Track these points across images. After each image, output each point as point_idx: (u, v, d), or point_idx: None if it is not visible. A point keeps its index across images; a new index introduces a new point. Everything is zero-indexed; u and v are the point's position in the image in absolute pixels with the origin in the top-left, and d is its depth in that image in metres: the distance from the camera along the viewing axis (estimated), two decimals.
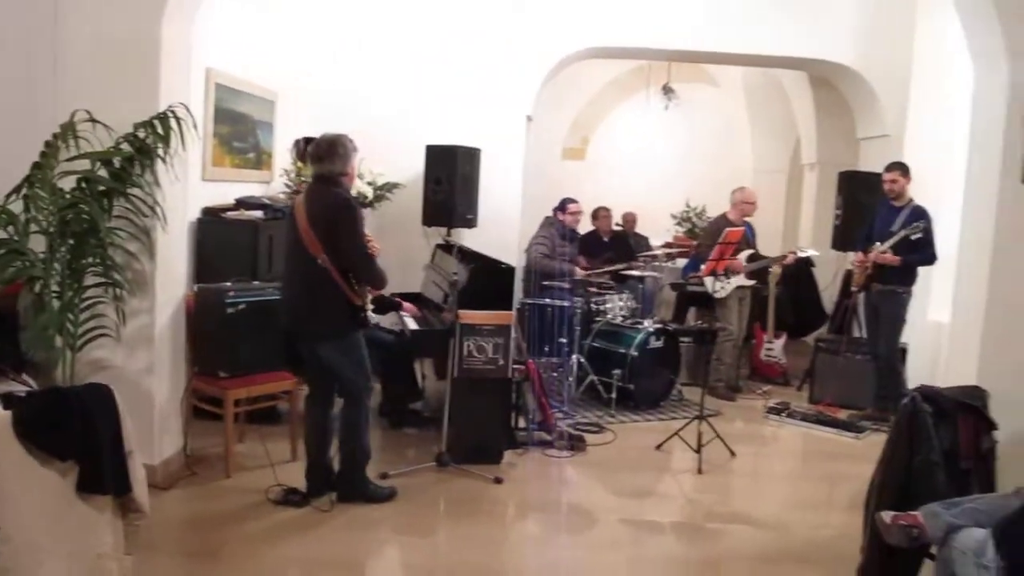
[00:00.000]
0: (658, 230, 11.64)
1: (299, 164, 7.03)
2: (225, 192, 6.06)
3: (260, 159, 6.72)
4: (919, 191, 6.73)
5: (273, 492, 4.64)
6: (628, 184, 12.60)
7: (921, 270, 6.62)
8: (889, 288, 6.56)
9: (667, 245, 10.39)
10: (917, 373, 6.71)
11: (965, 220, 4.69)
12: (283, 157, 7.13)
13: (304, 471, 4.70)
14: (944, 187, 6.85)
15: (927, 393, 3.48)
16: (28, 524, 2.59)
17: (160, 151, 4.27)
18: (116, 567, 2.91)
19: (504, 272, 5.81)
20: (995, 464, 3.63)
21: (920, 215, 6.44)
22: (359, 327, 4.55)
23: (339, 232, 4.32)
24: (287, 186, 6.99)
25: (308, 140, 7.19)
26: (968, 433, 3.48)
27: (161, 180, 4.38)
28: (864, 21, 8.01)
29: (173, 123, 4.29)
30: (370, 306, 4.63)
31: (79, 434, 2.74)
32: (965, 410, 3.49)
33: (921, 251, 6.42)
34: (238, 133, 6.30)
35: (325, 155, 4.41)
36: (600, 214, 9.58)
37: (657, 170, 13.11)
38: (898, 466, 3.42)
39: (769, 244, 9.60)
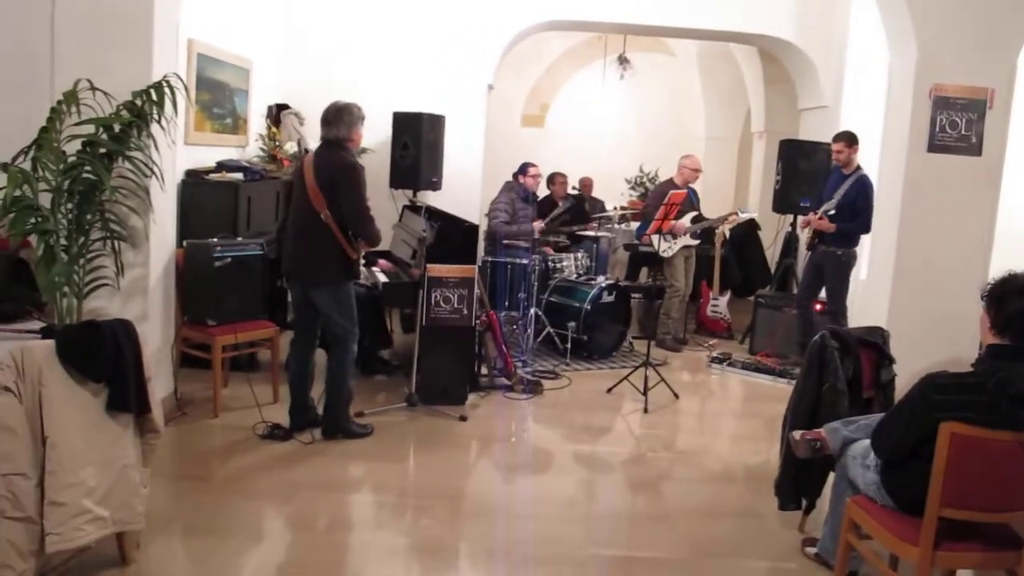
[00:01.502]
0: (613, 194, 12.11)
1: (273, 129, 7.41)
2: (205, 156, 6.44)
3: (236, 124, 7.09)
4: None
5: (259, 427, 5.10)
6: (585, 150, 13.01)
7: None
8: (831, 250, 6.96)
9: (621, 209, 10.87)
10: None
11: (880, 185, 5.25)
12: (257, 122, 7.50)
13: (288, 410, 5.17)
14: (874, 156, 7.38)
15: (834, 331, 4.03)
16: (69, 434, 3.04)
17: (156, 117, 4.67)
18: (138, 476, 3.37)
19: (468, 230, 6.25)
20: (893, 394, 4.18)
21: (862, 184, 6.72)
22: (351, 277, 5.02)
23: (342, 192, 4.75)
24: (262, 150, 7.38)
25: (281, 107, 7.60)
26: (868, 365, 4.03)
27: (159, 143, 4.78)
28: None
29: (167, 91, 4.69)
30: (362, 260, 5.09)
31: (109, 360, 3.19)
32: (866, 346, 4.04)
33: (856, 219, 6.76)
34: (217, 100, 6.67)
35: (332, 120, 4.87)
36: (556, 179, 9.88)
37: (613, 136, 13.53)
38: (809, 393, 3.95)
39: (720, 208, 10.11)
